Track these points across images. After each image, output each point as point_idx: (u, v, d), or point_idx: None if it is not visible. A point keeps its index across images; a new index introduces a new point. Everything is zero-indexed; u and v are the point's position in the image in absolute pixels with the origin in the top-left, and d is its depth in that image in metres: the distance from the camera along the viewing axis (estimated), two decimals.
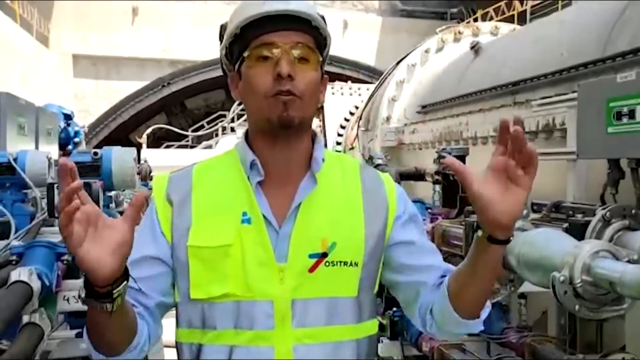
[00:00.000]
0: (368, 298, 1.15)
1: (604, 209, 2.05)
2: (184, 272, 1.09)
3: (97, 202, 2.13)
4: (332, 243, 1.09)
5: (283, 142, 1.12)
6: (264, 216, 1.09)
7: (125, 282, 0.94)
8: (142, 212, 0.98)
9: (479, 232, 1.03)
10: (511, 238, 1.04)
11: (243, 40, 1.10)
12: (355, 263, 1.10)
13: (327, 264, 1.08)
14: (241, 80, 1.13)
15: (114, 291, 0.92)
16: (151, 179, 10.44)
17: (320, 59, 1.13)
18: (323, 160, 1.15)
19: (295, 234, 1.08)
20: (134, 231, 0.93)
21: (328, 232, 1.10)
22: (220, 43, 1.17)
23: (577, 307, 1.77)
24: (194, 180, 1.14)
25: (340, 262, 1.09)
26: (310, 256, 1.08)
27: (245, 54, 1.10)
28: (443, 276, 1.17)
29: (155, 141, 15.35)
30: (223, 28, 1.17)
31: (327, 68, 1.20)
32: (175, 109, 18.03)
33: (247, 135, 1.18)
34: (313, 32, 1.11)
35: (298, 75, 1.07)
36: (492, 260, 1.05)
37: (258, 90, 1.08)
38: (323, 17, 1.15)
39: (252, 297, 1.06)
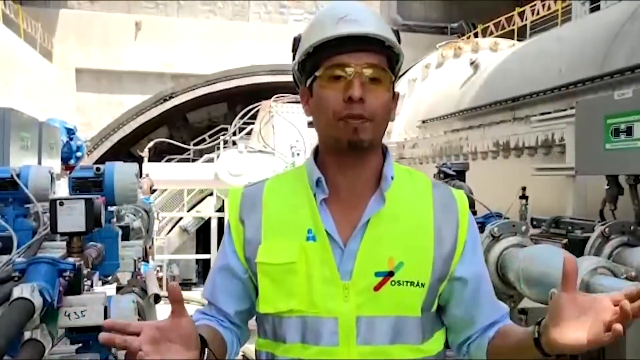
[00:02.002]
0: (430, 317, 1.14)
1: (603, 224, 2.07)
2: (257, 286, 1.14)
3: (98, 218, 2.15)
4: (399, 262, 1.08)
5: (352, 161, 1.13)
6: (328, 233, 1.10)
7: (205, 346, 1.00)
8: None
9: (535, 328, 1.00)
10: (555, 356, 0.98)
11: (316, 58, 1.11)
12: (421, 284, 1.09)
13: (392, 283, 1.07)
14: (312, 97, 1.14)
15: None
16: (153, 192, 10.43)
17: (393, 78, 1.13)
18: (392, 177, 1.14)
19: (361, 251, 1.09)
20: (188, 320, 0.98)
21: (396, 250, 1.09)
22: (293, 54, 1.18)
23: None
24: (265, 197, 1.17)
25: (407, 282, 1.08)
26: (377, 274, 1.07)
27: (318, 73, 1.10)
28: (493, 323, 1.16)
29: (157, 154, 15.36)
30: (296, 41, 1.18)
31: None
32: (177, 123, 18.08)
33: (316, 151, 1.19)
34: (386, 51, 1.11)
35: (370, 97, 1.07)
36: (526, 355, 1.03)
37: (328, 111, 1.09)
38: (397, 32, 1.15)
39: (317, 313, 1.08)
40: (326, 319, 1.07)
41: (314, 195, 1.13)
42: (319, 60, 1.10)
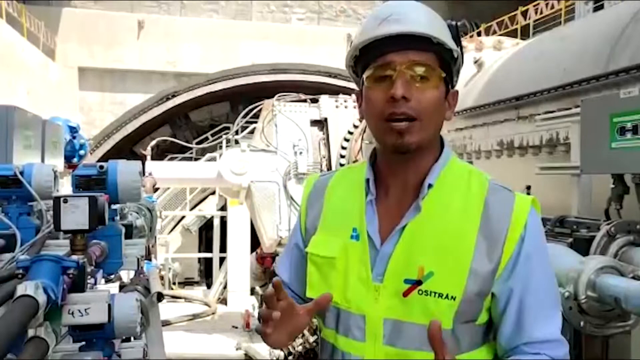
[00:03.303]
0: (469, 330, 1.09)
1: (608, 224, 2.05)
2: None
3: (102, 216, 2.14)
4: (428, 272, 1.06)
5: (401, 163, 1.13)
6: (369, 234, 1.12)
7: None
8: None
9: None
10: None
11: (364, 60, 1.12)
12: (452, 297, 1.05)
13: (420, 292, 1.06)
14: (363, 99, 1.15)
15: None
16: (156, 191, 10.41)
17: (443, 75, 1.09)
18: (431, 185, 1.11)
19: (394, 256, 1.09)
20: (310, 319, 1.09)
21: (428, 259, 1.07)
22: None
23: (582, 323, 1.77)
24: (327, 190, 1.22)
25: (435, 292, 1.06)
26: (405, 281, 1.08)
27: (365, 75, 1.11)
28: (515, 349, 1.10)
29: (160, 153, 15.37)
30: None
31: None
32: (179, 121, 18.08)
33: (375, 150, 1.21)
34: (436, 48, 1.08)
35: (415, 95, 1.06)
36: None
37: (374, 113, 1.10)
38: (456, 27, 1.12)
39: (348, 308, 1.12)
40: (355, 315, 1.11)
41: (366, 195, 1.15)
42: (367, 63, 1.11)
